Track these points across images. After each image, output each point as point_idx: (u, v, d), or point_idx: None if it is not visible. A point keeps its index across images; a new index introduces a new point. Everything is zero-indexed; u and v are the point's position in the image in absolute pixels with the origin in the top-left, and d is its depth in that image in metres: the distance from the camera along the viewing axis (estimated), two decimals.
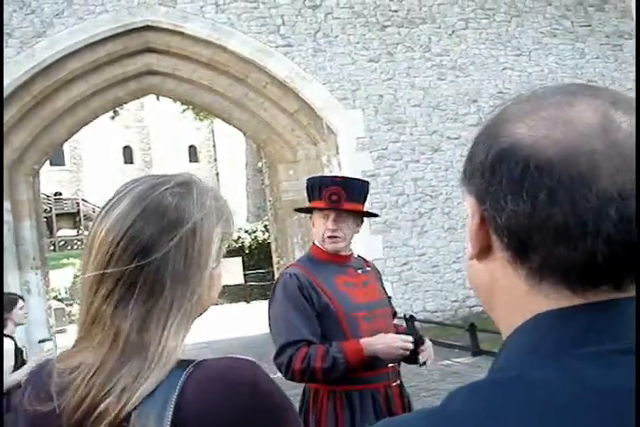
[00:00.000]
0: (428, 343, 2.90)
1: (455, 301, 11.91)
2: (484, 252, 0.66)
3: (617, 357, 0.58)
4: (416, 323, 10.82)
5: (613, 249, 0.58)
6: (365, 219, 3.16)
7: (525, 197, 0.60)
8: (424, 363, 2.88)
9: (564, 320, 0.61)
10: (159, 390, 0.97)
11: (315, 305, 2.83)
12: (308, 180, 3.11)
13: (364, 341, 2.73)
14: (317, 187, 2.96)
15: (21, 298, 5.44)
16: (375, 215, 3.18)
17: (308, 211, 3.10)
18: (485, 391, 0.60)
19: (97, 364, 1.01)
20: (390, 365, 2.85)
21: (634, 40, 12.52)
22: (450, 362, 9.06)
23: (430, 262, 11.85)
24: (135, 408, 0.97)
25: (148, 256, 1.03)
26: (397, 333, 2.94)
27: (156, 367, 0.99)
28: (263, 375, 1.01)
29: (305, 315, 2.80)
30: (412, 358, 2.87)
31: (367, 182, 3.15)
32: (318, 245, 3.02)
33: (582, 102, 0.62)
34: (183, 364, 1.01)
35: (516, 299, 0.64)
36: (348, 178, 3.18)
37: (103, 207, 1.10)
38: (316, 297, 2.83)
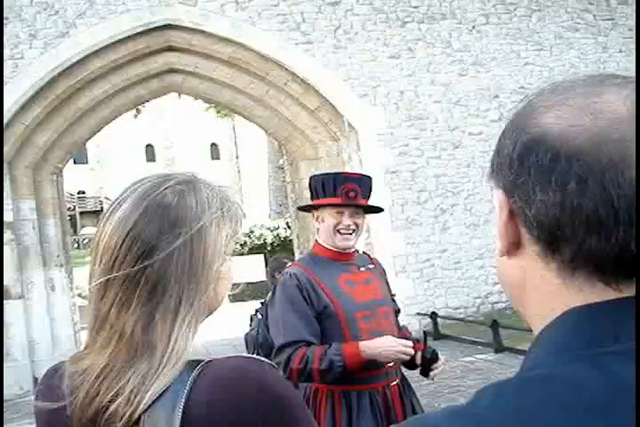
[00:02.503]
0: (442, 361, 2.89)
1: (477, 297, 11.87)
2: (513, 247, 0.65)
3: None
4: (439, 319, 10.81)
5: None
6: (387, 215, 3.15)
7: (555, 187, 0.58)
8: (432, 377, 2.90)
9: (596, 316, 0.59)
10: (169, 391, 0.97)
11: (314, 305, 2.83)
12: (314, 177, 3.08)
13: (363, 344, 2.73)
14: (331, 184, 2.95)
15: (291, 260, 5.65)
16: (380, 210, 3.14)
17: (308, 209, 3.11)
18: (514, 390, 0.58)
19: (105, 365, 1.01)
20: (388, 364, 2.84)
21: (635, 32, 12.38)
22: (472, 359, 9.04)
23: (452, 259, 11.81)
24: (146, 410, 0.96)
25: (151, 257, 1.02)
26: (400, 337, 2.91)
27: (165, 368, 0.98)
28: (272, 374, 1.00)
29: (304, 315, 2.80)
30: (424, 370, 2.88)
31: (371, 178, 3.15)
32: (322, 242, 3.01)
33: (610, 91, 0.61)
34: (192, 364, 1.00)
35: (548, 294, 0.63)
36: (363, 175, 3.20)
37: (107, 209, 1.10)
38: (316, 297, 2.83)
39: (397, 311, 3.15)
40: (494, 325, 9.36)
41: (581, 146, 0.58)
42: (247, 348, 4.71)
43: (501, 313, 11.15)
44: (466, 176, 12.02)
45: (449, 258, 11.79)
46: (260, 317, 4.96)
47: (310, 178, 3.12)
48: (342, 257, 2.98)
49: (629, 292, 0.59)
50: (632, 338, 0.57)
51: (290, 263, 4.09)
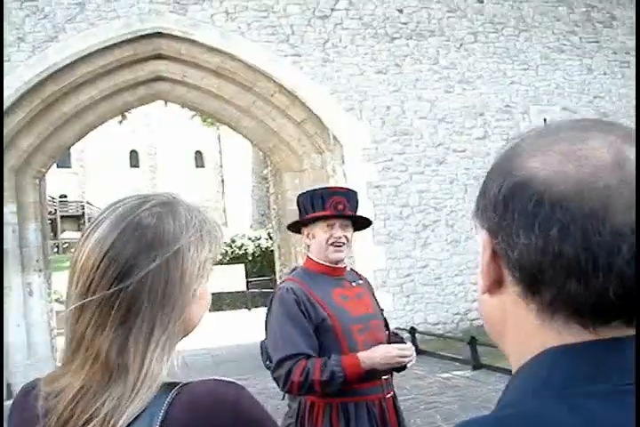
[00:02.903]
0: (409, 346, 2.92)
1: (457, 313, 11.90)
2: (495, 286, 0.66)
3: (626, 395, 0.57)
4: (417, 335, 10.82)
5: (625, 285, 0.58)
6: (369, 230, 3.21)
7: (537, 232, 0.59)
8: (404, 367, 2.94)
9: (572, 356, 0.60)
10: (145, 414, 0.96)
11: (312, 319, 2.86)
12: (301, 195, 3.14)
13: (362, 354, 2.77)
14: (319, 198, 3.01)
15: None
16: (368, 225, 3.20)
17: (298, 229, 3.15)
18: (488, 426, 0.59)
19: (80, 387, 1.00)
20: (384, 377, 2.89)
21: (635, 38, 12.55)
22: (450, 375, 9.05)
23: (433, 275, 11.85)
24: None
25: (127, 279, 1.01)
26: (390, 342, 2.99)
27: (140, 391, 0.98)
28: (248, 398, 1.00)
29: (302, 329, 2.82)
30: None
31: (355, 192, 3.20)
32: (314, 258, 3.07)
33: (596, 138, 0.62)
34: (169, 387, 0.99)
35: (527, 333, 0.64)
36: (349, 189, 3.24)
37: (85, 229, 1.09)
38: (314, 311, 2.86)
39: (386, 325, 3.19)
40: (472, 342, 9.38)
41: (565, 192, 0.59)
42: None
43: (480, 330, 11.17)
44: (449, 193, 12.09)
45: (429, 274, 11.83)
46: None
47: (298, 197, 3.16)
48: (334, 272, 3.03)
49: (605, 335, 0.61)
50: (607, 379, 0.58)
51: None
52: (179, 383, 1.00)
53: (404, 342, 2.99)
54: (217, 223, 1.13)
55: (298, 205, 3.11)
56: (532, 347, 0.63)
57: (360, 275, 3.23)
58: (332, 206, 2.98)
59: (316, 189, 3.17)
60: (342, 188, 3.29)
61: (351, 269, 3.21)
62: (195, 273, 1.05)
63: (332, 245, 2.98)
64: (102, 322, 1.02)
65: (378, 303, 3.18)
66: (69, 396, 1.00)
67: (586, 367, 0.60)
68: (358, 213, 3.11)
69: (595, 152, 0.61)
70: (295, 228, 3.19)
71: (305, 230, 3.10)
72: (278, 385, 2.81)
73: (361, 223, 3.15)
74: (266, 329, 2.99)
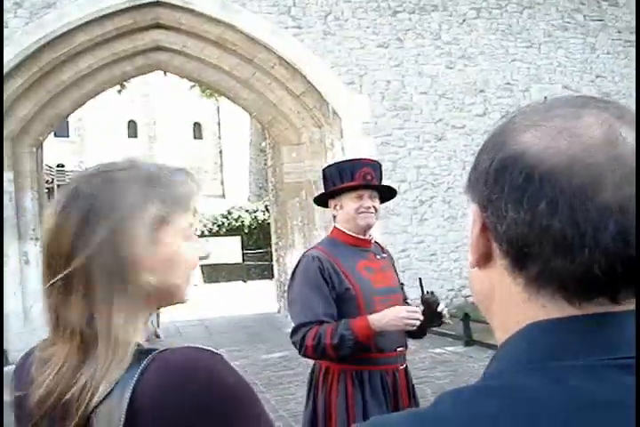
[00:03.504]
0: (417, 309, 2.92)
1: (451, 289, 11.96)
2: (484, 259, 0.67)
3: (608, 370, 0.58)
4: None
5: (611, 262, 0.58)
6: None
7: (526, 206, 0.60)
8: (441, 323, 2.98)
9: (555, 331, 0.61)
10: (119, 382, 0.97)
11: (335, 288, 2.92)
12: (328, 168, 3.19)
13: (372, 317, 2.81)
14: (348, 169, 3.07)
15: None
16: (393, 196, 3.25)
17: (325, 203, 3.20)
18: (473, 398, 0.60)
19: (63, 361, 1.03)
20: (399, 349, 2.97)
21: (635, 36, 12.46)
22: (442, 351, 9.12)
23: (428, 250, 11.88)
24: (100, 402, 0.97)
25: (77, 251, 1.03)
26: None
27: (114, 358, 0.99)
28: (222, 364, 0.99)
29: (322, 296, 2.90)
30: (425, 326, 2.94)
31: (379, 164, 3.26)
32: (341, 228, 3.11)
33: (589, 115, 0.62)
34: (145, 354, 1.00)
35: (514, 307, 0.65)
36: (375, 161, 3.30)
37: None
38: (338, 280, 2.93)
39: (405, 300, 3.22)
40: (466, 318, 9.44)
41: (555, 168, 0.60)
42: None
43: (474, 307, 11.24)
44: (447, 169, 12.07)
45: (425, 249, 11.87)
46: None
47: (324, 170, 3.20)
48: (361, 243, 3.08)
49: (590, 310, 0.61)
50: (589, 354, 0.59)
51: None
52: (155, 350, 1.00)
53: (437, 304, 3.01)
54: (178, 180, 1.11)
55: (324, 178, 3.15)
56: (517, 320, 0.64)
57: (384, 248, 3.26)
58: (361, 177, 3.03)
59: (343, 161, 3.25)
60: (370, 159, 3.34)
61: (375, 242, 3.23)
62: (144, 237, 1.05)
63: (361, 213, 3.03)
64: (67, 297, 1.04)
65: (399, 278, 3.23)
66: (54, 368, 1.03)
67: (569, 341, 0.60)
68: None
69: (587, 129, 0.61)
70: (322, 201, 3.23)
71: (332, 202, 3.13)
72: (297, 350, 2.91)
73: (384, 197, 3.20)
74: (288, 296, 3.07)
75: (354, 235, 3.07)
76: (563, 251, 0.59)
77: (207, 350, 1.00)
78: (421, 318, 2.83)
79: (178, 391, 0.94)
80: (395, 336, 2.96)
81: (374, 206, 3.05)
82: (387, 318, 2.79)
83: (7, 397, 1.11)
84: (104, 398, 0.97)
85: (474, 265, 0.68)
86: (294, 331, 2.90)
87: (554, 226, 0.59)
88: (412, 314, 2.80)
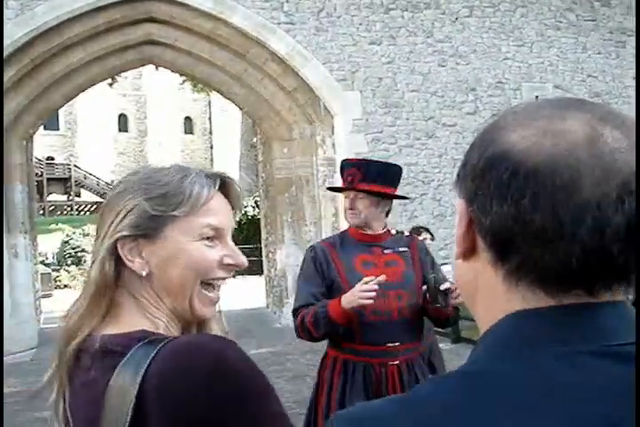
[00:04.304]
0: (368, 287, 2.90)
1: None
2: (469, 252, 0.70)
3: (583, 358, 0.61)
4: None
5: (587, 255, 0.62)
6: None
7: (510, 201, 0.63)
8: (444, 306, 2.97)
9: (532, 320, 0.65)
10: (131, 363, 1.00)
11: (325, 278, 3.08)
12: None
13: (344, 295, 2.90)
14: (342, 169, 3.22)
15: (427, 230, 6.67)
16: (393, 197, 3.24)
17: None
18: (454, 382, 0.64)
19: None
20: (389, 344, 3.00)
21: (635, 37, 12.49)
22: None
23: None
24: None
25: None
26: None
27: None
28: (234, 352, 1.00)
29: (314, 285, 3.08)
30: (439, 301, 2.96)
31: (392, 165, 3.37)
32: None
33: (574, 116, 0.65)
34: (158, 340, 1.02)
35: (495, 298, 0.68)
36: (364, 160, 3.41)
37: None
38: (327, 271, 3.08)
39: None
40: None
41: (539, 166, 0.63)
42: None
43: (462, 304, 11.27)
44: (437, 166, 12.10)
45: None
46: None
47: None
48: (368, 238, 3.17)
49: (567, 302, 0.65)
50: (564, 342, 0.63)
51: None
52: (168, 338, 1.03)
53: (447, 301, 3.00)
54: (157, 179, 1.14)
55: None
56: (499, 311, 0.67)
57: (414, 243, 3.27)
58: (345, 179, 3.16)
59: (344, 160, 3.39)
60: (356, 159, 3.44)
61: (406, 236, 3.29)
62: (117, 222, 1.11)
63: (348, 213, 3.17)
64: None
65: (424, 274, 3.15)
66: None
67: (545, 330, 0.64)
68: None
69: (570, 129, 0.64)
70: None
71: None
72: None
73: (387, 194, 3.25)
74: None
75: (360, 230, 3.17)
76: (542, 243, 0.63)
77: (220, 337, 1.03)
78: (372, 295, 2.82)
79: (184, 375, 0.95)
80: (387, 330, 2.99)
81: (356, 206, 3.12)
82: (349, 296, 2.85)
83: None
84: (115, 380, 1.00)
85: (459, 257, 0.72)
86: (293, 315, 3.09)
87: (535, 220, 0.62)
88: (364, 290, 2.82)
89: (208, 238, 1.14)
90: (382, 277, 2.86)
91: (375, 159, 3.44)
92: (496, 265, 0.67)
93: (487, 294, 0.69)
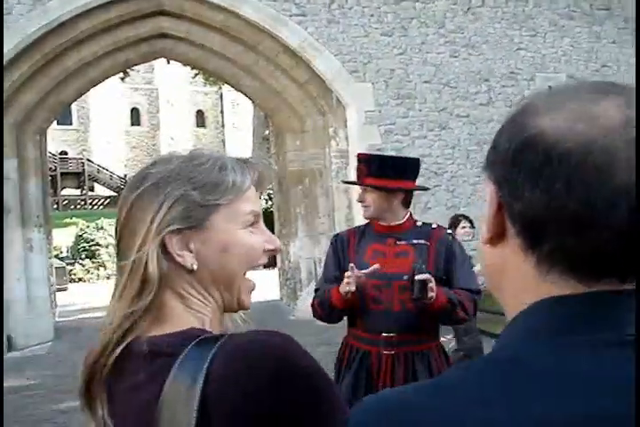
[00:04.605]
0: (425, 276, 2.95)
1: None
2: (497, 237, 0.69)
3: (606, 347, 0.60)
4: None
5: (622, 242, 0.61)
6: None
7: (542, 186, 0.62)
8: (420, 297, 2.97)
9: (564, 306, 0.64)
10: (188, 364, 0.96)
11: (340, 264, 3.23)
12: None
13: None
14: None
15: (466, 218, 6.81)
16: (398, 190, 3.24)
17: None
18: (479, 367, 0.64)
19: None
20: (384, 334, 3.06)
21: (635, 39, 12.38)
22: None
23: None
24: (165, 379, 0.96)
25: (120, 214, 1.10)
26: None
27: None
28: (292, 345, 0.98)
29: (330, 269, 3.26)
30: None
31: (401, 158, 3.53)
32: None
33: (607, 100, 0.64)
34: (212, 340, 0.98)
35: (524, 284, 0.67)
36: (368, 155, 3.52)
37: None
38: (342, 258, 3.23)
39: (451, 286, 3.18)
40: None
41: (572, 150, 0.61)
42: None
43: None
44: (450, 158, 12.05)
45: None
46: None
47: None
48: (384, 229, 3.24)
49: (598, 289, 0.64)
50: (592, 330, 0.62)
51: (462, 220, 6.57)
52: (223, 336, 0.99)
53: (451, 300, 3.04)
54: (209, 167, 1.10)
55: None
56: (527, 298, 0.66)
57: (435, 236, 3.23)
58: (356, 173, 3.31)
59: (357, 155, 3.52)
60: (364, 155, 3.49)
61: (433, 228, 3.27)
62: (156, 212, 1.06)
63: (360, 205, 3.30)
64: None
65: (438, 268, 3.15)
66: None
67: (577, 317, 0.63)
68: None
69: (606, 113, 0.63)
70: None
71: None
72: None
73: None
74: None
75: (376, 221, 3.25)
76: (575, 230, 0.62)
77: (276, 333, 0.99)
78: (349, 281, 2.97)
79: (250, 375, 0.92)
80: (385, 320, 3.06)
81: (365, 199, 3.22)
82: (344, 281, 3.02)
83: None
84: (172, 381, 0.96)
85: (486, 242, 0.71)
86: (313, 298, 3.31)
87: (568, 206, 0.61)
88: (344, 286, 2.98)
89: (250, 225, 1.12)
90: (376, 266, 2.98)
91: (385, 154, 3.51)
92: (526, 251, 0.66)
93: (515, 280, 0.68)
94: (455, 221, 6.72)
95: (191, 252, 1.06)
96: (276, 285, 14.94)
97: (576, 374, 0.59)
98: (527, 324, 0.66)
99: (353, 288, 2.96)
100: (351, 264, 3.00)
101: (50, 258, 12.45)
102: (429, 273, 2.98)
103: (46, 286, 11.46)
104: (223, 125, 53.20)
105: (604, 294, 0.63)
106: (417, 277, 2.92)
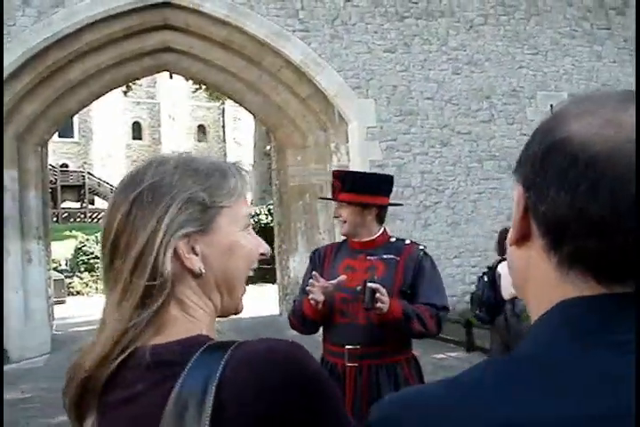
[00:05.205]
0: (375, 285, 3.00)
1: (454, 296, 11.91)
2: (523, 238, 0.70)
3: (627, 347, 0.61)
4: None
5: None
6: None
7: (567, 189, 0.63)
8: (370, 307, 3.02)
9: (585, 308, 0.64)
10: (198, 372, 0.94)
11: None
12: None
13: None
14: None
15: None
16: (373, 205, 3.29)
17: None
18: (502, 366, 0.65)
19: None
20: (348, 346, 3.10)
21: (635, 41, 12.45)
22: (444, 356, 9.10)
23: (432, 256, 11.82)
24: (173, 386, 0.94)
25: (112, 221, 1.03)
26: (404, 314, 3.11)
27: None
28: (303, 354, 0.97)
29: (307, 282, 3.22)
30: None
31: (373, 175, 3.61)
32: None
33: (635, 107, 0.65)
34: (222, 348, 0.96)
35: (547, 286, 0.68)
36: (343, 171, 3.63)
37: None
38: (319, 272, 3.22)
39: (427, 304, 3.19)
40: (468, 324, 9.42)
41: (599, 154, 0.63)
42: (471, 305, 5.68)
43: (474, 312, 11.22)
44: (451, 175, 12.06)
45: None
46: (485, 279, 5.86)
47: None
48: (357, 246, 3.30)
49: (619, 290, 0.64)
50: (615, 331, 0.62)
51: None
52: (234, 342, 0.97)
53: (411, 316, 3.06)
54: (210, 171, 1.08)
55: None
56: (551, 299, 0.67)
57: (407, 252, 3.26)
58: (331, 190, 3.37)
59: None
60: (338, 171, 3.61)
61: (406, 244, 3.32)
62: (164, 215, 1.01)
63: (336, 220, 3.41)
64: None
65: (406, 282, 3.18)
66: None
67: (598, 318, 0.64)
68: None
69: (632, 120, 0.64)
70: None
71: None
72: None
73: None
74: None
75: (353, 238, 3.31)
76: (598, 233, 0.63)
77: (287, 341, 0.98)
78: (310, 289, 3.05)
79: (263, 384, 0.91)
80: (349, 332, 3.11)
81: (341, 215, 3.28)
82: None
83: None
84: (180, 391, 0.93)
85: (512, 243, 0.72)
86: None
87: (592, 209, 0.62)
88: (308, 287, 3.07)
89: (247, 227, 1.11)
90: (342, 278, 3.05)
91: (357, 170, 3.59)
92: (549, 252, 0.67)
93: (539, 282, 0.70)
94: (502, 237, 6.43)
95: (197, 255, 1.03)
96: (275, 300, 14.89)
97: (599, 374, 0.60)
98: (547, 325, 0.67)
99: (320, 297, 3.01)
100: (314, 272, 3.09)
101: (48, 270, 12.42)
102: (383, 286, 3.02)
103: (44, 299, 11.42)
104: (224, 140, 53.36)
105: (624, 295, 0.64)
106: (367, 286, 2.97)
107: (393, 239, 3.34)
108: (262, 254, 1.13)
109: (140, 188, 1.04)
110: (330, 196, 3.47)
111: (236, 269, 1.08)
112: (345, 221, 3.26)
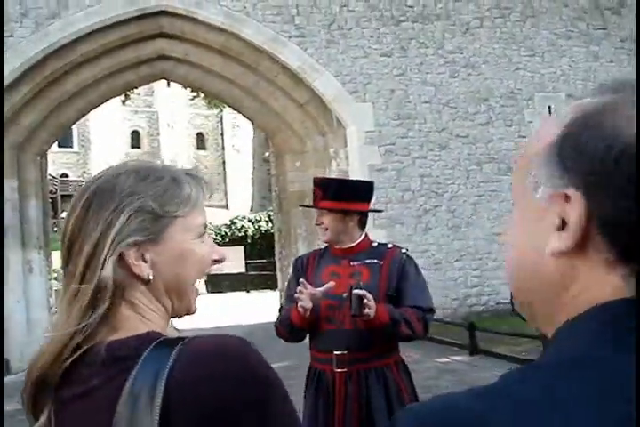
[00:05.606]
0: (362, 292, 3.02)
1: (455, 299, 11.91)
2: (578, 248, 0.63)
3: None
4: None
5: None
6: (370, 213, 3.40)
7: (635, 196, 0.58)
8: (358, 314, 3.03)
9: (628, 309, 0.60)
10: (148, 368, 0.96)
11: (299, 284, 3.23)
12: None
13: None
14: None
15: None
16: (354, 211, 3.31)
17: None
18: (544, 373, 0.59)
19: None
20: (336, 352, 3.09)
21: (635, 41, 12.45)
22: (447, 360, 9.07)
23: (433, 260, 11.83)
24: (125, 383, 0.97)
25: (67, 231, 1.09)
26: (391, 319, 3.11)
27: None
28: (253, 351, 0.99)
29: (292, 289, 3.27)
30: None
31: (353, 182, 3.68)
32: None
33: None
34: (172, 343, 0.99)
35: (602, 294, 0.62)
36: (323, 179, 3.68)
37: None
38: (302, 278, 3.23)
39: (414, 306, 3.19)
40: (471, 327, 9.40)
41: None
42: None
43: (478, 316, 11.21)
44: (451, 178, 12.06)
45: (429, 259, 11.81)
46: None
47: None
48: (339, 252, 3.32)
49: None
50: None
51: None
52: (184, 338, 1.00)
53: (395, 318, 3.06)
54: (163, 179, 1.10)
55: None
56: (591, 298, 0.62)
57: (389, 256, 3.27)
58: (312, 197, 3.38)
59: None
60: (318, 178, 3.63)
61: (388, 248, 3.33)
62: (121, 226, 1.05)
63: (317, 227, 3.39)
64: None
65: (390, 287, 3.19)
66: None
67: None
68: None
69: None
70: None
71: None
72: None
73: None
74: None
75: (335, 245, 3.33)
76: None
77: (238, 338, 1.00)
78: (305, 300, 3.02)
79: (211, 380, 0.94)
80: (336, 338, 3.11)
81: (323, 222, 3.30)
82: None
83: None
84: (132, 384, 0.96)
85: (559, 252, 0.64)
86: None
87: None
88: (297, 294, 3.06)
89: (201, 236, 1.14)
90: (330, 284, 3.06)
91: (337, 177, 3.61)
92: (614, 266, 0.61)
93: (591, 291, 0.63)
94: None
95: (146, 262, 1.07)
96: (276, 306, 14.87)
97: None
98: (592, 326, 0.61)
99: (308, 305, 3.02)
100: (301, 280, 3.10)
101: (49, 280, 12.39)
102: (369, 291, 3.02)
103: (45, 309, 11.40)
104: (223, 148, 53.37)
105: None
106: (354, 293, 2.97)
107: (375, 244, 3.37)
108: (216, 261, 1.17)
109: (91, 193, 1.09)
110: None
111: (186, 277, 1.12)
112: (327, 229, 3.27)
